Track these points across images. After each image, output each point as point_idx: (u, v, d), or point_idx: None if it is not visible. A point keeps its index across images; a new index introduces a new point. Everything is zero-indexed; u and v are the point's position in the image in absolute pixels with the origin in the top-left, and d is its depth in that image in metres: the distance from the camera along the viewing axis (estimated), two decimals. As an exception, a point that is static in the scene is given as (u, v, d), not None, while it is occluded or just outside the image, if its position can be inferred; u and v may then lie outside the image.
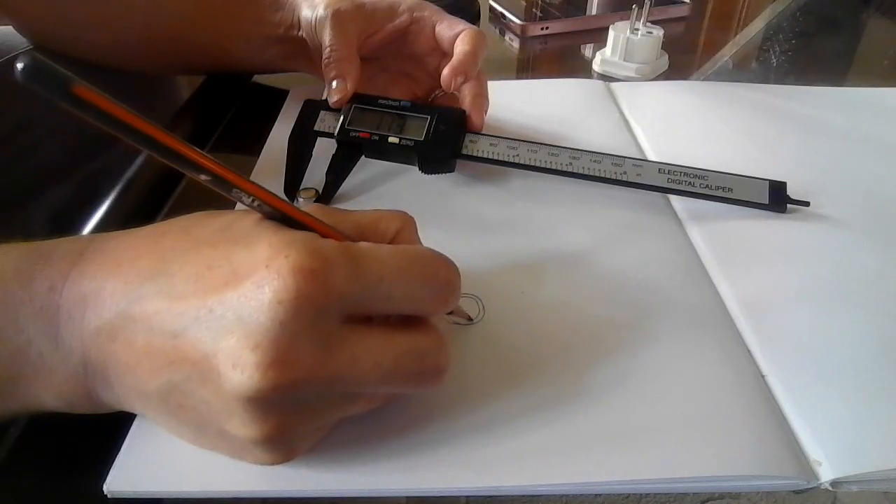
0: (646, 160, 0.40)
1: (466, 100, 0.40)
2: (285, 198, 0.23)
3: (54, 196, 0.40)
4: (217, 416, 0.21)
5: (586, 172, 0.38)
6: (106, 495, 0.24)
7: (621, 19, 0.59)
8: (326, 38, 0.41)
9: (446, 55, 0.42)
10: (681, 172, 0.38)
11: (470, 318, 0.31)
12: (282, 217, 0.22)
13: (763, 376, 0.29)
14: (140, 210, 0.40)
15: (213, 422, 0.22)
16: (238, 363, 0.19)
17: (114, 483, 0.24)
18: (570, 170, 0.38)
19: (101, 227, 0.38)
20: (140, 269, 0.22)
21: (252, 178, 0.41)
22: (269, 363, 0.19)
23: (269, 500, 0.25)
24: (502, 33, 0.69)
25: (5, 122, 0.26)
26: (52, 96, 0.16)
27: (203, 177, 0.20)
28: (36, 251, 0.24)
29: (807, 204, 0.38)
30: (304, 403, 0.21)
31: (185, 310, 0.21)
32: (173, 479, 0.24)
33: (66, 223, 0.39)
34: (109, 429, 0.26)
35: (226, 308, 0.20)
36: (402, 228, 0.26)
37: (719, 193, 0.38)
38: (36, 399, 0.24)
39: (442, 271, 0.23)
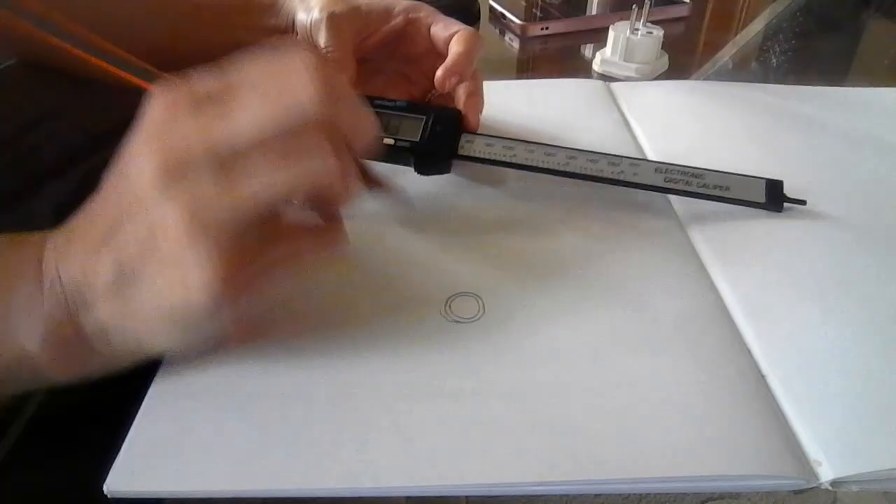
0: (642, 160, 0.40)
1: (462, 100, 0.40)
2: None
3: (57, 192, 0.40)
4: (149, 241, 0.24)
5: (583, 172, 0.38)
6: (106, 495, 0.24)
7: (621, 19, 0.59)
8: (322, 40, 0.41)
9: (442, 56, 0.42)
10: (677, 172, 0.38)
11: (380, 185, 0.32)
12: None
13: (763, 376, 0.29)
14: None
15: (151, 252, 0.24)
16: (137, 165, 0.23)
17: (114, 483, 0.24)
18: (566, 169, 0.38)
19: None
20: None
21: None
22: (155, 148, 0.23)
23: (269, 500, 0.25)
24: (502, 33, 0.69)
25: (9, 124, 0.26)
26: None
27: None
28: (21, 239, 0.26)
29: (803, 202, 0.38)
30: (203, 185, 0.23)
31: (106, 188, 0.25)
32: (173, 479, 0.24)
33: (67, 220, 0.39)
34: (109, 429, 0.26)
35: (120, 160, 0.24)
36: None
37: (716, 192, 0.38)
38: (15, 339, 0.25)
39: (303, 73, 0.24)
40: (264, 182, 0.24)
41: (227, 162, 0.23)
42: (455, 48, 0.41)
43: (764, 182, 0.39)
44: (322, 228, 0.28)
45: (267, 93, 0.24)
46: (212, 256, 0.23)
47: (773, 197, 0.38)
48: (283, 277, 0.27)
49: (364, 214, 0.38)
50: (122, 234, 0.24)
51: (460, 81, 0.40)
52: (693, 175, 0.38)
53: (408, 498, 0.25)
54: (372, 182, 0.31)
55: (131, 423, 0.26)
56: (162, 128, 0.23)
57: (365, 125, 0.27)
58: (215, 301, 0.24)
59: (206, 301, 0.23)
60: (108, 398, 0.29)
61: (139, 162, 0.23)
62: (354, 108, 0.26)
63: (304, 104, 0.24)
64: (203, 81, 0.24)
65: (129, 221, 0.24)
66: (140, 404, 0.27)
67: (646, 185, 0.38)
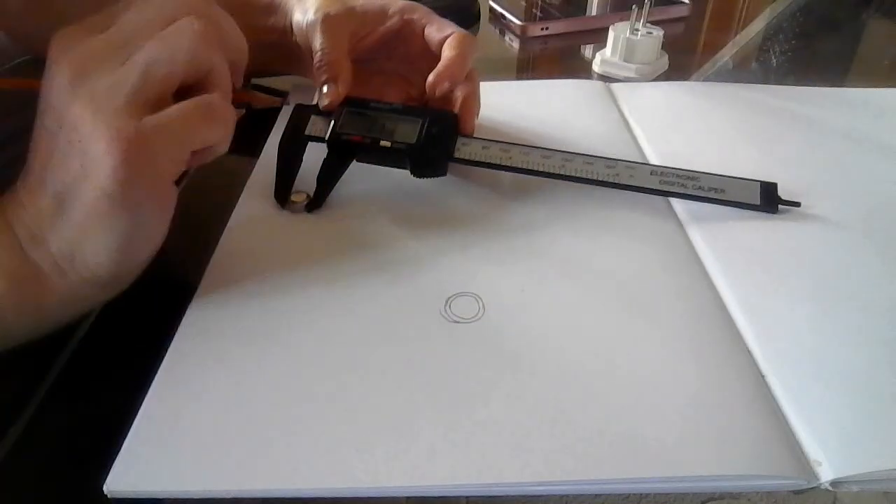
0: (638, 162, 0.40)
1: (458, 103, 0.40)
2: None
3: None
4: (68, 148, 0.26)
5: (579, 175, 0.38)
6: (106, 495, 0.24)
7: (621, 20, 0.59)
8: (317, 41, 0.41)
9: (438, 57, 0.42)
10: (673, 174, 0.39)
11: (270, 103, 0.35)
12: None
13: (763, 376, 0.29)
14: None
15: (73, 158, 0.26)
16: (51, 83, 0.26)
17: (114, 483, 0.24)
18: (562, 172, 0.38)
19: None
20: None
21: (250, 179, 0.42)
22: (64, 63, 0.26)
23: (270, 499, 0.25)
24: (502, 34, 0.69)
25: (22, 117, 0.27)
26: None
27: None
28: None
29: (797, 204, 0.38)
30: (103, 70, 0.26)
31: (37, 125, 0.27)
32: (173, 479, 0.24)
33: None
34: (109, 429, 0.26)
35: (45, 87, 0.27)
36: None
37: (711, 195, 0.38)
38: None
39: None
40: (147, 57, 0.27)
41: (118, 53, 0.26)
42: (447, 52, 0.41)
43: (759, 185, 0.39)
44: (210, 104, 0.29)
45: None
46: (112, 137, 0.25)
47: (768, 199, 0.38)
48: (188, 161, 0.29)
49: (364, 215, 0.39)
50: (52, 161, 0.27)
51: (452, 86, 0.40)
52: (689, 177, 0.38)
53: (408, 498, 0.25)
54: (245, 97, 0.35)
55: (131, 423, 0.26)
56: (70, 50, 0.26)
57: (237, 40, 0.32)
58: (127, 184, 0.26)
59: (118, 187, 0.26)
60: (109, 398, 0.29)
61: (55, 82, 0.26)
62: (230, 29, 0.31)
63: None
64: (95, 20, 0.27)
65: (56, 148, 0.26)
66: (140, 404, 0.27)
67: (642, 188, 0.38)
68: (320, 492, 0.24)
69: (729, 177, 0.39)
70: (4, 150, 0.39)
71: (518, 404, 0.27)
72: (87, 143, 0.26)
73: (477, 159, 0.39)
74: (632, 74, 0.57)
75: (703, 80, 0.58)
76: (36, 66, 0.45)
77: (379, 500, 0.25)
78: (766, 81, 0.56)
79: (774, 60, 0.64)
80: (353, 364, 0.29)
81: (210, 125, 0.29)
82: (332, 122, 0.39)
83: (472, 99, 0.41)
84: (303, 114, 0.41)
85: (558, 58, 0.67)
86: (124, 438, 0.26)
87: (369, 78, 0.45)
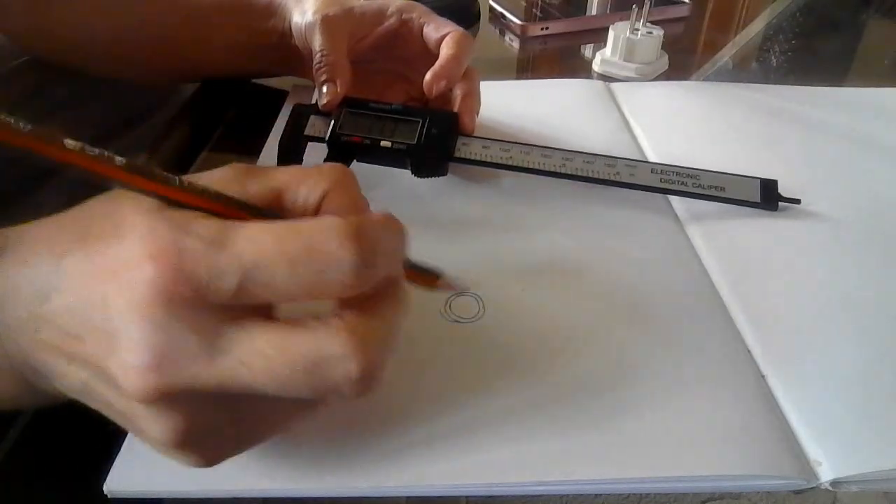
0: (639, 161, 0.40)
1: (457, 102, 0.40)
2: (168, 176, 0.20)
3: (63, 184, 0.41)
4: (124, 416, 0.21)
5: (579, 174, 0.38)
6: (106, 495, 0.24)
7: (621, 19, 0.59)
8: (316, 42, 0.41)
9: (436, 57, 0.42)
10: (673, 172, 0.39)
11: (461, 290, 0.28)
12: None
13: (763, 376, 0.29)
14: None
15: (127, 421, 0.21)
16: (124, 366, 0.19)
17: (114, 483, 0.24)
18: (563, 171, 0.38)
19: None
20: (41, 265, 0.21)
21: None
22: (147, 367, 0.18)
23: (270, 499, 0.25)
24: (502, 33, 0.69)
25: (19, 117, 0.26)
26: None
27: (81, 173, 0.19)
28: None
29: (797, 202, 0.38)
30: (207, 407, 0.20)
31: (76, 308, 0.20)
32: (173, 479, 0.24)
33: None
34: (109, 429, 0.26)
35: (108, 307, 0.19)
36: (331, 190, 0.22)
37: (712, 192, 0.38)
38: None
39: (334, 246, 0.18)
40: (302, 415, 0.21)
41: (247, 402, 0.20)
42: (444, 51, 0.41)
43: (759, 182, 0.39)
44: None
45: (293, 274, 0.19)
46: (194, 452, 0.20)
47: (768, 196, 0.38)
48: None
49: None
50: (94, 384, 0.20)
51: (449, 85, 0.40)
52: (689, 175, 0.38)
53: (408, 498, 0.25)
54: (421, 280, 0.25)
55: (131, 423, 0.26)
56: (156, 335, 0.18)
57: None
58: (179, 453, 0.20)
59: (166, 452, 0.21)
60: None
61: (126, 360, 0.19)
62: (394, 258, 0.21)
63: (355, 384, 0.19)
64: (204, 259, 0.18)
65: (105, 385, 0.20)
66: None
67: (642, 186, 0.38)
68: (320, 492, 0.24)
69: (729, 174, 0.39)
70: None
71: (517, 404, 0.27)
72: (136, 412, 0.20)
73: (477, 159, 0.39)
74: (632, 74, 0.57)
75: (703, 80, 0.58)
76: (36, 66, 0.45)
77: (379, 500, 0.25)
78: (766, 81, 0.56)
79: (774, 60, 0.64)
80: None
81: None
82: (332, 123, 0.39)
83: (472, 97, 0.41)
84: (302, 114, 0.41)
85: (558, 58, 0.67)
86: (124, 438, 0.26)
87: (369, 78, 0.45)
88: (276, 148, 0.40)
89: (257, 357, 0.19)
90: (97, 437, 0.26)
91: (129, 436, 0.26)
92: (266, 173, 0.22)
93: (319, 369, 0.19)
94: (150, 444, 0.21)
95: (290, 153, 0.40)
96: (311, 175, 0.22)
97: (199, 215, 0.20)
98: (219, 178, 0.21)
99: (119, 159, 0.19)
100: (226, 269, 0.18)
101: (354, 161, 0.40)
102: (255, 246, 0.18)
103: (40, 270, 0.21)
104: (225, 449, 0.22)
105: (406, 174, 0.40)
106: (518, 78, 0.62)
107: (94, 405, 0.22)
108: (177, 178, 0.20)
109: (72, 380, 0.21)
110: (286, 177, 0.22)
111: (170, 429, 0.19)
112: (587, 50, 0.66)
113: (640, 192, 0.38)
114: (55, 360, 0.21)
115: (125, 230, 0.20)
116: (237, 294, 0.18)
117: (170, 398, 0.19)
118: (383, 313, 0.20)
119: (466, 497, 0.25)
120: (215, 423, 0.20)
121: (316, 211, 0.22)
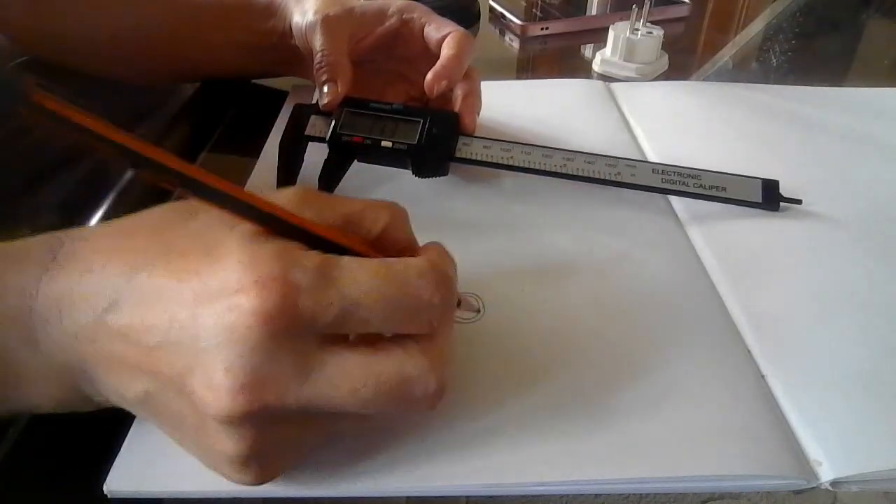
0: (639, 161, 0.40)
1: (458, 102, 0.40)
2: (264, 199, 0.21)
3: (63, 184, 0.41)
4: (193, 429, 0.21)
5: (580, 174, 0.38)
6: (106, 495, 0.24)
7: (621, 19, 0.59)
8: (317, 42, 0.41)
9: (437, 57, 0.42)
10: (674, 172, 0.38)
11: (477, 311, 0.31)
12: (259, 218, 0.21)
13: (763, 376, 0.29)
14: (149, 198, 0.40)
15: (189, 433, 0.22)
16: (211, 385, 0.19)
17: (114, 483, 0.24)
18: (564, 171, 0.38)
19: (110, 214, 0.38)
20: (110, 274, 0.21)
21: (250, 180, 0.41)
22: (240, 387, 0.19)
23: (270, 499, 0.25)
24: (502, 33, 0.69)
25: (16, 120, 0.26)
26: (11, 105, 0.16)
27: (178, 185, 0.20)
28: (5, 255, 0.23)
29: (799, 202, 0.38)
30: (281, 426, 0.21)
31: (156, 323, 0.20)
32: (173, 479, 0.24)
33: (74, 211, 0.39)
34: (109, 429, 0.26)
35: (198, 326, 0.20)
36: (391, 222, 0.24)
37: (713, 193, 0.38)
38: (29, 401, 0.23)
39: (426, 291, 0.21)
40: (353, 429, 0.23)
41: (316, 421, 0.22)
42: (445, 51, 0.41)
43: (760, 182, 0.39)
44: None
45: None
46: (254, 469, 0.21)
47: (770, 196, 0.38)
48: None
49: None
50: (161, 395, 0.21)
51: (450, 85, 0.40)
52: (690, 175, 0.38)
53: (408, 498, 0.25)
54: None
55: (131, 423, 0.26)
56: (256, 358, 0.19)
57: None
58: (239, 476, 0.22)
59: (229, 475, 0.22)
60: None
61: (214, 379, 0.19)
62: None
63: (430, 399, 0.22)
64: (315, 296, 0.20)
65: (176, 395, 0.21)
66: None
67: (643, 186, 0.38)
68: (320, 492, 0.24)
69: (730, 174, 0.39)
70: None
71: (517, 404, 0.27)
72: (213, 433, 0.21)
73: (478, 159, 0.39)
74: (632, 74, 0.57)
75: (704, 80, 0.58)
76: (35, 66, 0.45)
77: (379, 500, 0.25)
78: (766, 81, 0.56)
79: (774, 60, 0.64)
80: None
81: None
82: (333, 123, 0.39)
83: (473, 97, 0.41)
84: (303, 114, 0.41)
85: (558, 58, 0.67)
86: (124, 438, 0.26)
87: (369, 78, 0.45)
88: (277, 148, 0.40)
89: (345, 378, 0.20)
90: (97, 437, 0.26)
91: (129, 436, 0.26)
92: (335, 201, 0.24)
93: (402, 388, 0.21)
94: (213, 458, 0.22)
95: (291, 153, 0.40)
96: (375, 208, 0.24)
97: (300, 247, 0.21)
98: (287, 201, 0.22)
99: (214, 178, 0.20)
100: (331, 303, 0.20)
101: (355, 161, 0.40)
102: (357, 284, 0.20)
103: (107, 279, 0.21)
104: (279, 466, 0.23)
105: (407, 174, 0.40)
106: (518, 78, 0.62)
107: (149, 415, 0.23)
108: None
109: (132, 389, 0.21)
110: (356, 207, 0.24)
111: (243, 446, 0.20)
112: (587, 50, 0.66)
113: (640, 192, 0.38)
114: (116, 367, 0.21)
115: (221, 253, 0.20)
116: (333, 325, 0.20)
117: (251, 417, 0.20)
118: (444, 332, 0.23)
119: (466, 497, 0.25)
120: (283, 441, 0.22)
121: (377, 240, 0.24)
